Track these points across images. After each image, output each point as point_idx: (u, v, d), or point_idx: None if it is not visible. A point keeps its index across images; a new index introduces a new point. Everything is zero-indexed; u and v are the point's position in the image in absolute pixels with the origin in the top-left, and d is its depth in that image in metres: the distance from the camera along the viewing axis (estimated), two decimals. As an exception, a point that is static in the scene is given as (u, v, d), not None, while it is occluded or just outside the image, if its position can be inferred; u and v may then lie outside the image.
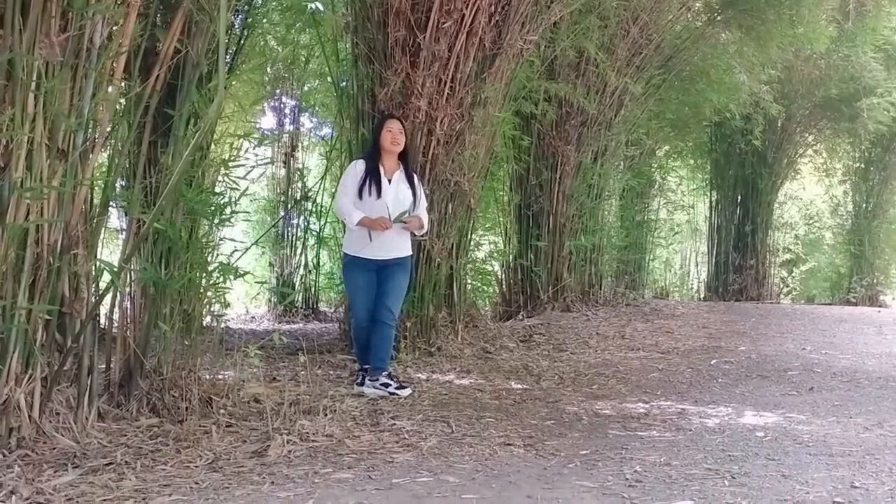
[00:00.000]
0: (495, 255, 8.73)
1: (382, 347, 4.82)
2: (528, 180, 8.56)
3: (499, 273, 8.83)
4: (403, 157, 4.97)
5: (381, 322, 4.79)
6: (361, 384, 4.83)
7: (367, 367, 4.88)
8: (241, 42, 6.93)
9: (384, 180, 4.83)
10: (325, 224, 9.35)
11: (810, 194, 16.05)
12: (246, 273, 4.43)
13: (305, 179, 10.88)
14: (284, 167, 10.63)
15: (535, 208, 8.57)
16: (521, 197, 8.64)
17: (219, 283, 4.36)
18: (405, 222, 4.84)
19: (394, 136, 4.86)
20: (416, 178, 5.01)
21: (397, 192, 4.86)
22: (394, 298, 4.82)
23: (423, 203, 4.99)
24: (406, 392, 4.74)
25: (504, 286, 8.82)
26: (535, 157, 8.49)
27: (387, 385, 4.76)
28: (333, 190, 8.49)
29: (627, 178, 10.39)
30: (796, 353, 6.57)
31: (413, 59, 5.84)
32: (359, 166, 4.87)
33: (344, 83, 6.88)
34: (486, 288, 8.29)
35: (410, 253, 4.96)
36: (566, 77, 8.10)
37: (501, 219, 8.88)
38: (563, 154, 8.47)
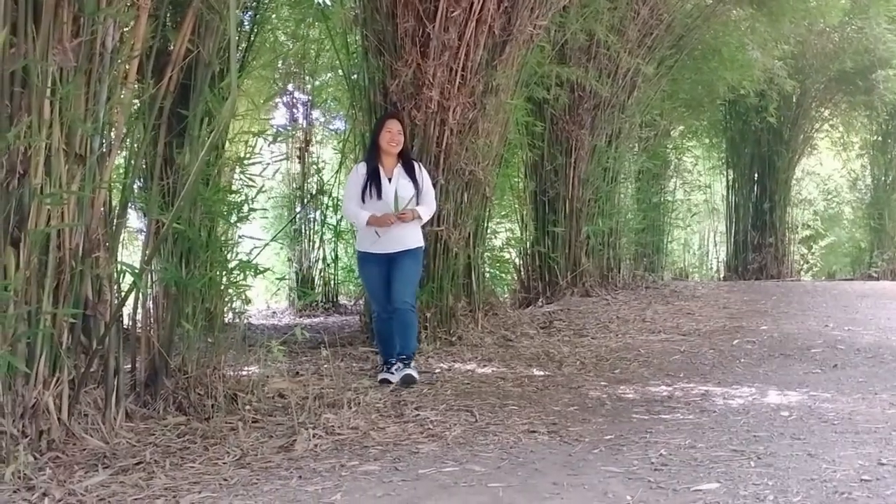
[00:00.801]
0: (512, 242, 8.73)
1: (404, 333, 4.92)
2: (543, 166, 8.54)
3: (516, 260, 8.82)
4: (406, 155, 5.02)
5: (397, 309, 4.87)
6: (390, 373, 4.90)
7: (391, 360, 4.96)
8: (252, 39, 6.94)
9: (384, 180, 4.91)
10: (341, 217, 9.40)
11: (828, 169, 15.91)
12: (266, 270, 4.46)
13: (321, 173, 10.92)
14: (299, 162, 10.67)
15: (551, 194, 8.55)
16: (537, 183, 8.62)
17: (239, 280, 4.39)
18: (403, 213, 4.88)
19: (392, 137, 4.90)
20: (417, 166, 5.03)
21: (397, 188, 4.91)
22: (403, 284, 4.87)
23: (428, 192, 5.02)
24: (415, 375, 4.89)
25: (522, 273, 8.81)
26: (549, 143, 8.46)
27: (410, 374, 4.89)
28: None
29: (643, 160, 10.34)
30: (819, 330, 6.53)
31: (423, 49, 5.84)
32: (360, 170, 4.97)
33: (355, 76, 6.88)
34: (504, 276, 8.30)
35: (420, 245, 5.00)
36: (577, 61, 8.06)
37: (517, 206, 8.87)
38: (577, 138, 8.44)
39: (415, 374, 4.86)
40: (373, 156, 4.97)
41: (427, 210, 5.00)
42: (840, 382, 4.66)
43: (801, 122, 13.53)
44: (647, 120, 10.08)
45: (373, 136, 5.03)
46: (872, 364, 5.17)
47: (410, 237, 4.93)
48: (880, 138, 14.39)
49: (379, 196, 4.87)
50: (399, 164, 4.96)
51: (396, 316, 4.89)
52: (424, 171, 5.06)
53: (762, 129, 12.98)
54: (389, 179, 4.92)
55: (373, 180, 4.89)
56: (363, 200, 4.89)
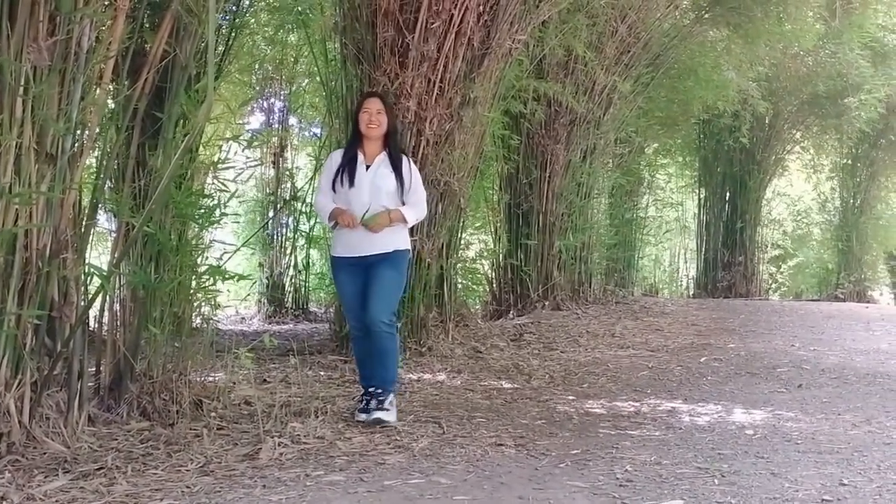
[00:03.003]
0: (485, 254, 8.75)
1: (379, 361, 4.14)
2: (518, 179, 8.58)
3: (489, 272, 8.84)
4: (390, 140, 4.34)
5: (372, 331, 4.09)
6: (365, 410, 4.10)
7: (371, 388, 4.16)
8: (230, 43, 6.88)
9: (360, 167, 4.23)
10: (314, 224, 9.36)
11: (798, 191, 16.14)
12: (237, 277, 4.43)
13: (294, 179, 10.88)
14: (273, 167, 10.63)
15: (525, 207, 8.59)
16: (511, 196, 8.66)
17: (208, 285, 4.36)
18: (375, 222, 4.17)
19: (371, 117, 4.24)
20: (407, 162, 4.33)
21: (375, 178, 4.22)
22: (379, 299, 4.09)
23: (416, 192, 4.30)
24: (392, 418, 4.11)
25: (494, 285, 8.82)
26: (525, 157, 8.50)
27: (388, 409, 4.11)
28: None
29: (616, 176, 10.42)
30: (785, 349, 6.61)
31: (402, 59, 5.85)
32: (335, 156, 4.36)
33: (333, 83, 6.87)
34: (476, 287, 8.30)
35: (403, 248, 4.27)
36: (555, 76, 8.11)
37: (491, 218, 8.89)
38: (553, 153, 8.49)
39: (389, 416, 4.05)
40: (353, 141, 4.33)
41: (413, 212, 4.27)
42: (804, 402, 4.72)
43: (773, 143, 13.71)
44: (622, 136, 10.16)
45: (353, 120, 4.40)
46: (837, 385, 5.25)
47: (392, 238, 4.20)
48: (849, 161, 14.64)
49: (351, 183, 4.20)
50: (384, 153, 4.28)
51: (371, 338, 4.12)
52: (415, 169, 4.37)
53: (735, 149, 13.13)
54: (367, 167, 4.24)
55: (348, 167, 4.24)
56: (334, 190, 4.26)
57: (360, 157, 4.27)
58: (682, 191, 15.75)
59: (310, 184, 9.39)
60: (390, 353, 4.14)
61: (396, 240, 4.23)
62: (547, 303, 8.48)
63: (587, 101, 8.45)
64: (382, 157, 4.28)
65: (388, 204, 4.21)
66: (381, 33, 5.85)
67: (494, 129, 7.25)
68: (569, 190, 8.70)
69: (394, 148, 4.32)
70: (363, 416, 4.08)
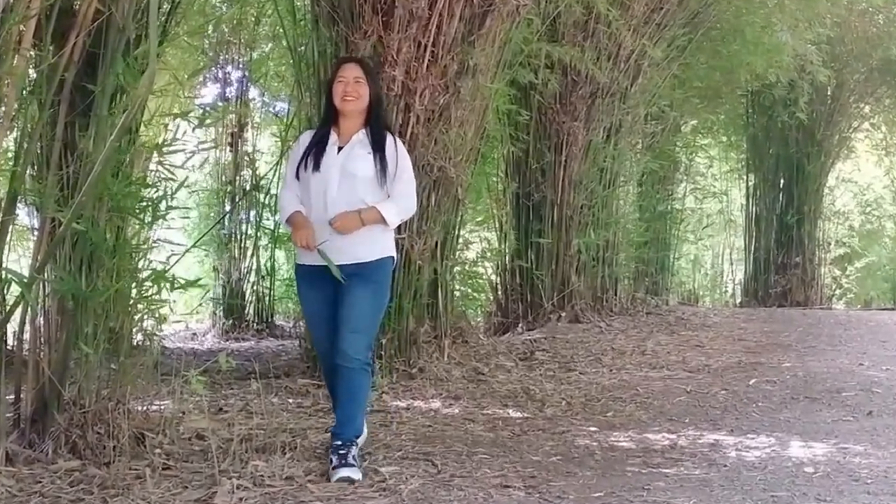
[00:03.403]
0: (488, 255, 8.77)
1: (346, 404, 4.02)
2: (528, 164, 8.60)
3: (493, 277, 8.84)
4: (372, 115, 4.19)
5: (339, 365, 3.96)
6: (340, 466, 3.85)
7: (333, 436, 4.01)
8: (177, 1, 6.90)
9: (331, 148, 4.10)
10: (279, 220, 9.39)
11: (867, 177, 16.16)
12: (187, 284, 4.43)
13: (256, 165, 10.86)
14: (231, 151, 10.62)
15: (537, 198, 8.62)
16: (520, 184, 8.68)
17: (152, 294, 4.36)
18: (343, 219, 3.98)
19: (346, 88, 4.08)
20: (392, 141, 4.16)
21: (347, 160, 4.06)
22: (350, 331, 3.94)
23: (400, 181, 4.12)
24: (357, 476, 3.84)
25: (500, 293, 8.84)
26: (536, 137, 8.52)
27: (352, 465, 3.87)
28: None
29: (647, 159, 10.44)
30: (852, 369, 6.62)
31: (386, 18, 5.86)
32: (303, 139, 4.27)
33: (302, 48, 6.87)
34: (477, 295, 8.32)
35: (384, 256, 4.11)
36: (572, 39, 8.12)
37: (495, 211, 8.91)
38: (570, 132, 8.52)
39: (354, 473, 3.80)
40: (326, 118, 4.23)
41: (395, 208, 4.09)
42: (876, 433, 4.73)
43: (836, 119, 13.70)
44: (654, 112, 10.18)
45: (326, 91, 4.29)
46: (914, 412, 5.26)
47: (370, 244, 4.03)
48: (930, 141, 14.67)
49: (316, 167, 4.05)
50: (363, 132, 4.13)
51: (338, 374, 4.00)
52: (403, 150, 4.20)
53: (790, 127, 13.11)
54: (340, 148, 4.09)
55: (315, 147, 4.11)
56: (298, 178, 4.14)
57: (333, 136, 4.14)
58: (726, 177, 15.77)
59: (275, 170, 9.40)
60: (359, 394, 4.03)
61: (376, 245, 4.07)
62: (563, 314, 8.50)
63: (611, 69, 8.47)
64: (360, 136, 4.12)
65: (365, 196, 4.04)
66: (361, -14, 5.87)
67: (499, 104, 7.26)
68: (589, 177, 8.73)
69: (375, 123, 4.16)
70: (336, 472, 3.81)
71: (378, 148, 4.09)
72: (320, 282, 4.04)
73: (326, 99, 4.26)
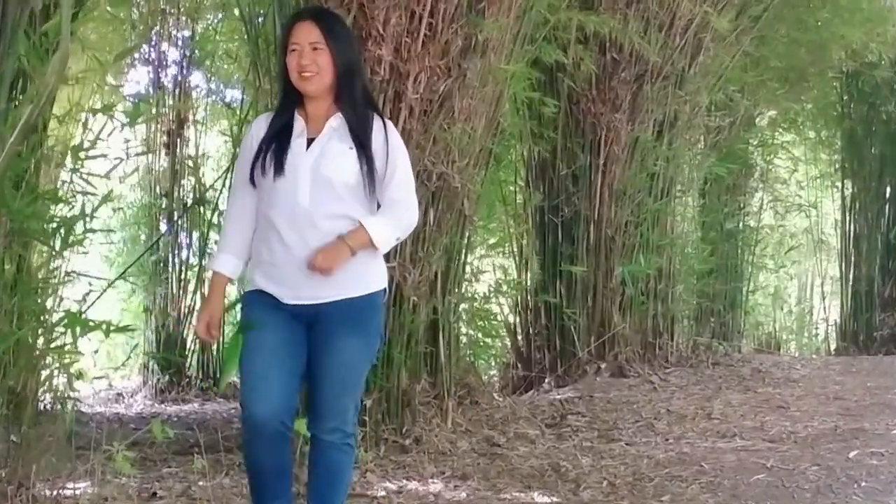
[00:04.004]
0: (505, 288, 8.75)
1: (324, 492, 3.99)
2: (556, 169, 8.64)
3: (511, 318, 8.85)
4: (343, 92, 3.99)
5: (320, 440, 3.94)
6: None
7: None
8: (97, -42, 7.00)
9: (296, 141, 3.92)
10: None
11: None
12: (110, 328, 4.49)
13: (201, 172, 10.87)
14: (167, 154, 10.66)
15: (567, 213, 8.65)
16: (545, 195, 8.73)
17: (65, 343, 4.41)
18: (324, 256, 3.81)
19: (301, 59, 3.89)
20: (381, 127, 4.01)
21: (320, 159, 3.89)
22: (335, 390, 3.90)
23: (398, 184, 3.99)
24: None
25: (520, 337, 8.86)
26: (566, 133, 8.57)
27: None
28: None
29: (711, 162, 10.44)
30: (983, 436, 6.63)
31: (369, -19, 5.92)
32: (256, 128, 4.07)
33: (260, 19, 6.91)
34: (490, 341, 8.31)
35: (370, 290, 3.96)
36: (611, 5, 8.13)
37: (513, 230, 8.92)
38: (610, 127, 8.53)
39: None
40: (285, 101, 4.04)
41: (387, 224, 3.94)
42: None
43: (960, 109, 13.72)
44: (720, 100, 10.18)
45: (279, 65, 4.10)
46: None
47: (356, 273, 3.88)
48: None
49: (279, 170, 3.85)
50: (339, 117, 3.96)
51: (315, 453, 3.97)
52: (396, 140, 4.04)
53: (899, 119, 13.17)
54: (310, 141, 3.92)
55: (275, 140, 3.92)
56: (252, 183, 3.95)
57: (299, 123, 3.96)
58: (815, 185, 15.74)
59: (224, 178, 9.40)
60: (339, 478, 3.99)
61: (364, 275, 3.93)
62: (603, 365, 8.49)
63: (663, 45, 8.51)
64: (335, 123, 3.94)
65: (348, 208, 3.88)
66: (337, -60, 5.94)
67: (517, 90, 7.30)
68: (636, 185, 8.75)
69: (351, 104, 3.96)
70: None
71: (361, 140, 3.90)
72: (281, 319, 3.88)
73: (281, 75, 4.07)
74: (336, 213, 3.86)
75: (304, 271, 3.81)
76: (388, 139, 3.96)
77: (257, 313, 3.93)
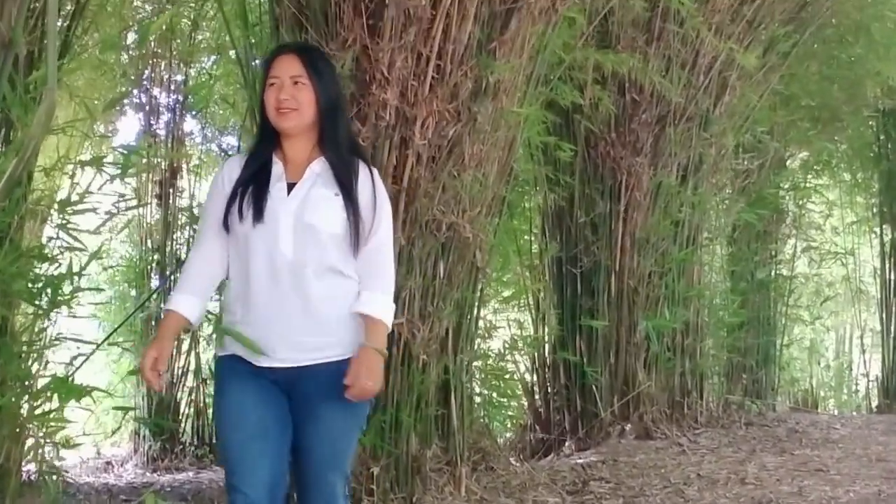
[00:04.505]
0: (521, 344, 8.71)
1: None
2: (573, 217, 8.63)
3: (528, 376, 8.80)
4: (327, 132, 3.92)
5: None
6: None
7: None
8: (83, 1, 7.01)
9: (276, 186, 3.82)
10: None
11: None
12: (96, 393, 4.44)
13: (195, 224, 10.88)
14: (159, 206, 10.66)
15: (586, 263, 8.63)
16: (562, 245, 8.71)
17: (51, 409, 4.37)
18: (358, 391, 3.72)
19: (280, 93, 3.82)
20: (368, 177, 3.93)
21: (304, 206, 3.79)
22: (328, 464, 3.83)
23: (381, 239, 3.91)
24: None
25: (538, 397, 8.82)
26: (584, 179, 8.57)
27: None
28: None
29: (740, 208, 10.43)
30: None
31: (373, 21, 5.91)
32: (229, 169, 3.94)
33: (257, 62, 6.92)
34: (506, 402, 8.26)
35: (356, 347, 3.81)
36: (630, 43, 8.19)
37: (529, 283, 8.89)
38: (631, 171, 8.53)
39: None
40: (263, 140, 3.94)
41: (386, 298, 3.90)
42: None
43: None
44: (748, 142, 10.20)
45: (258, 101, 4.02)
46: None
47: (340, 332, 3.79)
48: None
49: (258, 216, 3.74)
50: (322, 160, 3.88)
51: None
52: (381, 189, 3.97)
53: (941, 160, 13.16)
54: (291, 186, 3.82)
55: (252, 182, 3.81)
56: (227, 229, 3.82)
57: (278, 166, 3.87)
58: (852, 230, 15.73)
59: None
60: None
61: (346, 334, 3.81)
62: (628, 427, 8.45)
63: (686, 84, 8.53)
64: (319, 168, 3.86)
65: (334, 260, 3.79)
66: (339, -22, 5.94)
67: (531, 135, 7.30)
68: (660, 233, 8.72)
69: (334, 147, 3.89)
70: None
71: (347, 187, 3.82)
72: (259, 388, 3.76)
73: (260, 111, 3.99)
74: (322, 265, 3.76)
75: (284, 331, 3.72)
76: (375, 190, 3.90)
77: (234, 383, 3.81)
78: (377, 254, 3.86)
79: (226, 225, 3.79)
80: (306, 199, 3.78)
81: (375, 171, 4.00)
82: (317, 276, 3.74)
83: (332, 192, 3.79)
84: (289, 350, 3.72)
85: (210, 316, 4.36)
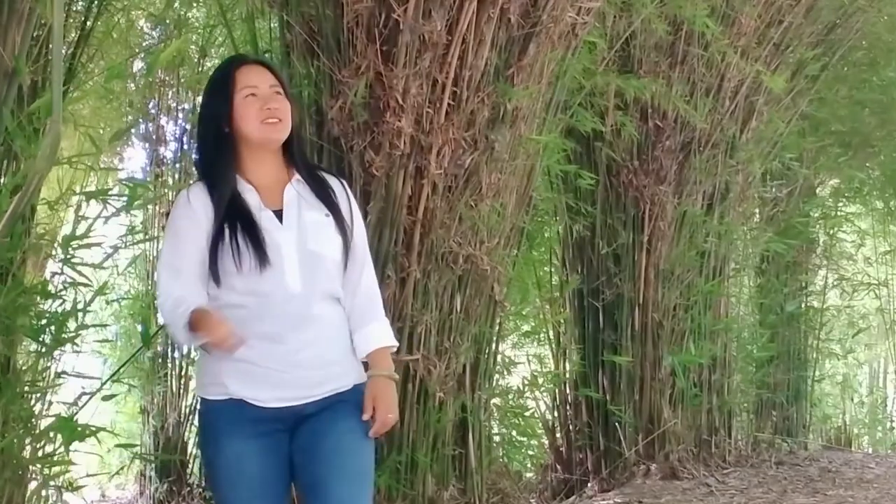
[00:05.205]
0: (541, 380, 8.70)
1: None
2: (595, 248, 8.62)
3: (548, 414, 8.79)
4: (296, 150, 3.74)
5: None
6: None
7: None
8: (89, 26, 7.08)
9: (267, 220, 3.55)
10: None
11: None
12: (101, 434, 4.46)
13: (202, 258, 10.93)
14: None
15: (609, 296, 8.61)
16: (584, 277, 8.70)
17: (54, 450, 4.38)
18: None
19: (267, 102, 3.57)
20: (343, 191, 3.76)
21: (304, 233, 3.58)
22: (354, 484, 3.51)
23: (365, 257, 3.77)
24: None
25: (559, 436, 8.80)
26: (606, 208, 8.57)
27: None
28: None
29: (768, 238, 10.42)
30: None
31: (387, 47, 5.94)
32: (196, 205, 3.54)
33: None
34: (526, 441, 8.25)
35: (357, 381, 3.63)
36: (653, 68, 8.20)
37: (550, 317, 8.89)
38: (654, 200, 8.51)
39: None
40: (221, 162, 3.59)
41: (385, 319, 3.77)
42: None
43: None
44: (776, 169, 10.20)
45: (213, 116, 3.64)
46: None
47: (345, 362, 3.63)
48: None
49: (263, 262, 3.45)
50: (298, 180, 3.67)
51: None
52: (352, 196, 3.81)
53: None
54: (277, 213, 3.57)
55: (239, 219, 3.50)
56: (217, 277, 3.49)
57: (251, 194, 3.57)
58: (885, 260, 15.69)
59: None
60: None
61: (353, 362, 3.65)
62: (654, 466, 8.41)
63: (711, 110, 8.54)
64: (299, 188, 3.65)
65: (336, 287, 3.63)
66: (351, 3, 5.97)
67: (550, 163, 7.32)
68: (685, 264, 8.72)
69: (304, 163, 3.74)
70: None
71: (334, 207, 3.63)
72: (264, 435, 3.52)
73: (213, 131, 3.62)
74: (328, 294, 3.59)
75: (291, 365, 3.48)
76: (350, 204, 3.72)
77: (234, 432, 3.52)
78: (370, 282, 3.73)
79: (215, 274, 3.47)
80: (302, 226, 3.56)
81: (344, 182, 3.82)
82: (322, 306, 3.57)
83: (323, 214, 3.60)
84: (295, 388, 3.51)
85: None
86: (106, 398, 5.26)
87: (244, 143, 3.56)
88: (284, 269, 3.47)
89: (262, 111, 3.52)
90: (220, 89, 3.60)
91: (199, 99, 10.92)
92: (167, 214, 10.64)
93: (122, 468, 10.33)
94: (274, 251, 3.45)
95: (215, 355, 3.41)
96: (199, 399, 3.66)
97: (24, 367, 4.98)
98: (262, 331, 3.44)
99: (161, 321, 10.62)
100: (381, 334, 3.67)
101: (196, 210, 3.49)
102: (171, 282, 3.47)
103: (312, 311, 3.52)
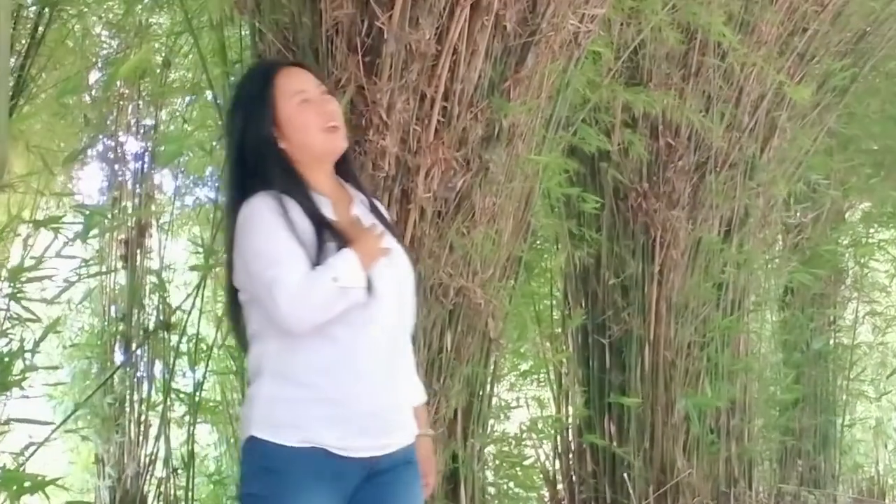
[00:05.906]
0: (541, 426, 8.70)
1: None
2: (600, 279, 8.62)
3: (549, 463, 8.78)
4: (345, 162, 3.78)
5: None
6: None
7: None
8: (40, 35, 7.08)
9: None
10: (206, 374, 9.27)
11: None
12: (51, 486, 4.44)
13: (166, 291, 10.87)
14: (124, 268, 10.66)
15: (616, 332, 8.60)
16: (588, 311, 8.70)
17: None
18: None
19: (328, 107, 3.60)
20: (379, 205, 3.88)
21: (393, 263, 3.59)
22: None
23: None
24: None
25: (561, 487, 8.79)
26: (612, 235, 8.57)
27: None
28: (219, 304, 8.38)
29: (792, 267, 10.43)
30: None
31: (370, 58, 5.93)
32: (266, 205, 3.42)
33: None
34: (524, 493, 8.23)
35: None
36: (664, 80, 8.21)
37: (550, 355, 8.88)
38: (666, 226, 8.50)
39: None
40: (286, 174, 3.54)
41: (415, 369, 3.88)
42: None
43: None
44: (800, 191, 10.20)
45: (255, 133, 3.56)
46: None
47: (409, 408, 3.68)
48: None
49: (369, 287, 3.41)
50: (360, 195, 3.76)
51: None
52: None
53: None
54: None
55: (325, 227, 3.42)
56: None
57: (328, 209, 3.53)
58: (921, 292, 15.76)
59: (196, 294, 9.19)
60: None
61: (411, 413, 3.68)
62: (667, 520, 8.42)
63: (729, 126, 8.55)
64: (357, 200, 3.70)
65: (410, 316, 3.70)
66: (331, 10, 5.97)
67: (551, 185, 7.32)
68: (700, 297, 8.70)
69: (354, 178, 3.80)
70: None
71: (395, 230, 3.78)
72: (341, 486, 3.45)
73: (262, 149, 3.55)
74: (407, 328, 3.66)
75: (378, 409, 3.45)
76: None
77: (314, 489, 3.38)
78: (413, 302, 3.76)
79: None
80: (390, 252, 3.54)
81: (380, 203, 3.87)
82: (406, 342, 3.65)
83: (392, 239, 3.61)
84: (378, 436, 3.47)
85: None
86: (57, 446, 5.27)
87: (299, 159, 3.54)
88: (383, 298, 3.42)
89: (321, 117, 3.52)
90: (262, 100, 3.53)
91: (163, 114, 10.97)
92: (126, 242, 10.65)
93: (76, 523, 10.29)
94: (380, 280, 3.41)
95: (297, 400, 3.35)
96: (255, 440, 3.40)
97: (-33, 413, 4.97)
98: (352, 367, 3.40)
99: (118, 360, 10.69)
100: (420, 386, 3.79)
101: (271, 212, 3.38)
102: (290, 274, 3.28)
103: (397, 346, 3.56)
